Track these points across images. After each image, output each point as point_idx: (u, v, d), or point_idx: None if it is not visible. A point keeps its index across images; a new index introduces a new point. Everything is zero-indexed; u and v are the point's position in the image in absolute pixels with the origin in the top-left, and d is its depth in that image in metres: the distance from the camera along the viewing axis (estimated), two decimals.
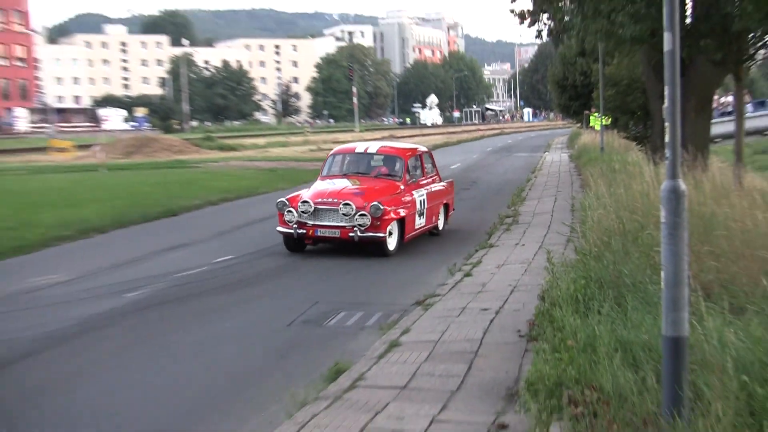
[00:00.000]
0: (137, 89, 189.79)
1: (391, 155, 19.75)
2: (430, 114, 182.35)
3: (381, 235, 17.18)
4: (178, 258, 17.85)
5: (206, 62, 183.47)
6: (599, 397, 6.83)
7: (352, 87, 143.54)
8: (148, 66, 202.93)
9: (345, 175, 19.42)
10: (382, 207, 17.04)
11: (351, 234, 17.12)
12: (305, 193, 18.27)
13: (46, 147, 66.55)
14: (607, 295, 9.32)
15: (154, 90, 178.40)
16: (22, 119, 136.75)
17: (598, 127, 43.05)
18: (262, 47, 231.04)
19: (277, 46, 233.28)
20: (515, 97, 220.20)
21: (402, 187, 18.63)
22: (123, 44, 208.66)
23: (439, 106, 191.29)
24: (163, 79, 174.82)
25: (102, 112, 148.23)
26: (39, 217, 23.55)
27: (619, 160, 26.05)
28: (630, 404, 6.57)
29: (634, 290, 9.12)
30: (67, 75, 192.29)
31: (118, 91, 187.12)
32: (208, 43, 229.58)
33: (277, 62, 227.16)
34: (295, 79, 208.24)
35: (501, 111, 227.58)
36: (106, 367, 10.30)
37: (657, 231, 9.30)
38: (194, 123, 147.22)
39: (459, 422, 7.38)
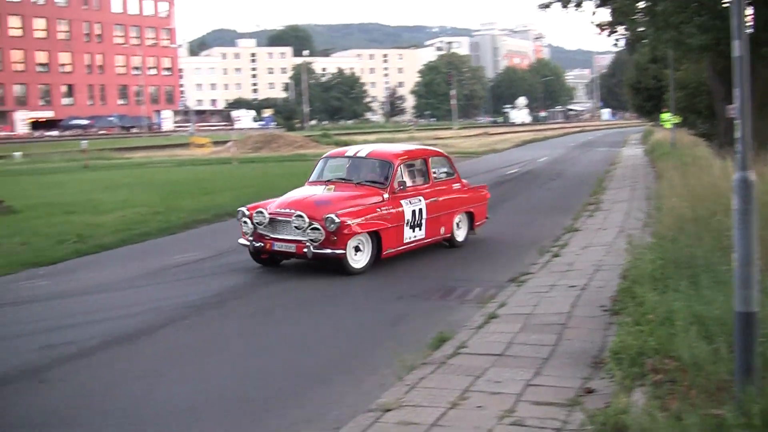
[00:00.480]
0: (264, 93, 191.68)
1: (379, 160, 15.66)
2: (519, 113, 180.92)
3: (339, 251, 13.58)
4: None
5: (323, 69, 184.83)
6: (677, 365, 6.69)
7: (451, 90, 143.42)
8: (273, 73, 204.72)
9: (328, 181, 15.60)
10: (337, 220, 13.46)
11: (304, 249, 13.70)
12: (274, 201, 15.01)
13: (188, 143, 67.66)
14: (682, 274, 9.12)
15: (279, 94, 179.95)
16: (167, 120, 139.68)
17: (668, 125, 42.29)
18: (371, 56, 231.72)
19: (384, 55, 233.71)
20: (594, 98, 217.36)
21: (385, 195, 14.74)
22: (252, 55, 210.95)
23: (527, 106, 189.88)
24: (286, 84, 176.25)
25: (234, 113, 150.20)
26: (181, 203, 23.89)
27: (689, 155, 25.51)
28: (705, 372, 6.41)
29: (707, 270, 8.90)
30: (205, 82, 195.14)
31: (248, 95, 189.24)
32: (325, 53, 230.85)
33: (385, 69, 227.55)
34: (401, 84, 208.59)
35: (582, 111, 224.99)
36: (241, 332, 10.42)
37: (726, 217, 9.09)
38: (313, 122, 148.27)
39: (550, 386, 7.28)
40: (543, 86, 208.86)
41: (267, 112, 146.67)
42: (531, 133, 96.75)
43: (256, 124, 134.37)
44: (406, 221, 14.91)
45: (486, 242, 17.22)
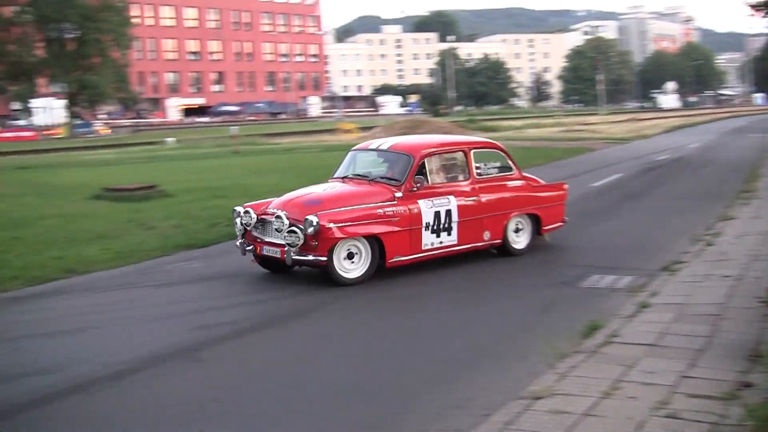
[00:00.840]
0: (410, 79, 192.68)
1: (399, 153, 13.54)
2: (667, 99, 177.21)
3: (322, 258, 11.85)
4: None
5: (469, 55, 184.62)
6: None
7: (598, 75, 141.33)
8: (419, 59, 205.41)
9: (344, 178, 13.84)
10: (316, 222, 11.70)
11: (286, 255, 12.09)
12: (276, 200, 13.26)
13: (335, 129, 68.39)
14: None
15: (424, 79, 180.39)
16: (314, 106, 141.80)
17: None
18: (517, 41, 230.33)
19: (530, 40, 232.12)
20: (746, 83, 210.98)
21: (397, 194, 12.67)
22: (398, 41, 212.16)
23: (676, 91, 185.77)
24: (432, 69, 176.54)
25: (380, 99, 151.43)
26: None
27: None
28: None
29: None
30: (351, 68, 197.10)
31: (394, 81, 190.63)
32: (470, 38, 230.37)
33: (531, 54, 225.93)
34: (546, 69, 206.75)
35: (733, 96, 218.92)
36: (388, 317, 10.57)
37: None
38: (459, 107, 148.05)
39: (705, 379, 7.08)
40: (692, 70, 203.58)
41: (413, 98, 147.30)
42: (680, 118, 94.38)
43: (402, 110, 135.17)
44: (424, 224, 12.80)
45: (636, 229, 16.87)
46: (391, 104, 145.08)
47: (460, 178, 13.64)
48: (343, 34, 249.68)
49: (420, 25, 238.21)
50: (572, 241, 15.40)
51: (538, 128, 70.41)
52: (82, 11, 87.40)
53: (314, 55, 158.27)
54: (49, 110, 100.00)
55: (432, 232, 12.89)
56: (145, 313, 10.95)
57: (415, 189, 12.82)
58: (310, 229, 11.71)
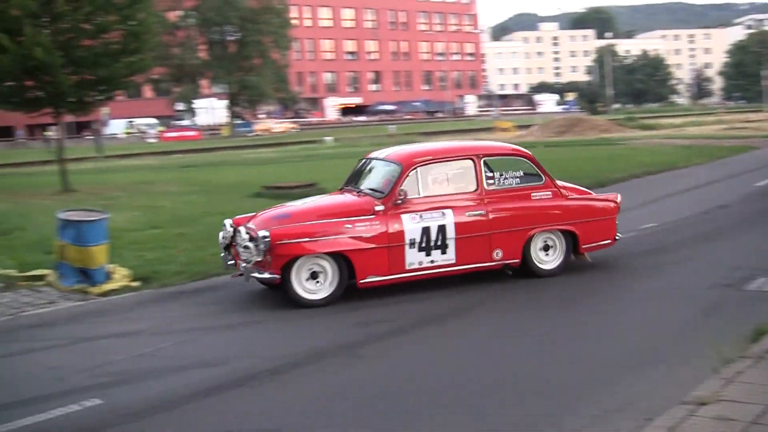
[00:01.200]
0: (567, 77, 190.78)
1: (391, 162, 12.21)
2: None
3: (276, 276, 10.92)
4: None
5: (627, 52, 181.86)
6: None
7: (762, 70, 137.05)
8: (576, 56, 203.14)
9: (341, 189, 12.85)
10: (267, 237, 10.80)
11: (244, 272, 11.44)
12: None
13: (492, 127, 68.23)
14: None
15: (582, 77, 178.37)
16: (471, 104, 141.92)
17: None
18: (676, 37, 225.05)
19: (690, 36, 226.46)
20: None
21: (378, 207, 11.40)
22: (554, 38, 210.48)
23: None
24: (589, 67, 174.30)
25: (537, 97, 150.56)
26: None
27: None
28: None
29: None
30: (508, 66, 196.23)
31: (550, 79, 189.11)
32: (629, 35, 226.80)
33: (691, 50, 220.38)
34: (708, 65, 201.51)
35: None
36: (543, 318, 10.43)
37: None
38: (616, 105, 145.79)
39: None
40: None
41: (570, 96, 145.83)
42: None
43: (559, 108, 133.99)
44: (408, 241, 11.41)
45: None
46: (548, 102, 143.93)
47: (466, 189, 12.06)
48: (500, 32, 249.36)
49: (577, 22, 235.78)
50: (737, 242, 14.93)
51: (699, 126, 68.44)
52: (243, 14, 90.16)
53: (470, 54, 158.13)
54: (211, 110, 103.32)
55: (420, 250, 11.52)
56: (304, 309, 11.08)
57: (399, 201, 11.50)
58: (261, 245, 10.87)
